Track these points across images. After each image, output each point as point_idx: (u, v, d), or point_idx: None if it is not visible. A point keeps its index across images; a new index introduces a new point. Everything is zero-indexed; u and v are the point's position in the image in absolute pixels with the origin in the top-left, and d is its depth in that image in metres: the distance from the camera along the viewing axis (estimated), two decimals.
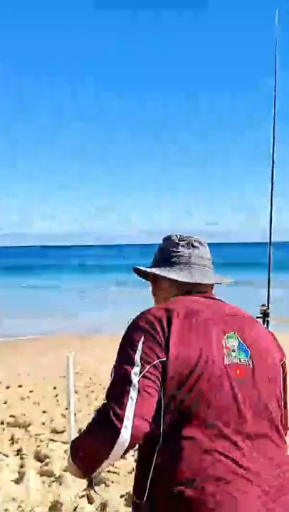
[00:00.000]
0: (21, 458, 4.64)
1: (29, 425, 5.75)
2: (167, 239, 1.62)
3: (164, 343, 1.25)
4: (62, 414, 6.09)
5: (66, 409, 5.18)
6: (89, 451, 1.31)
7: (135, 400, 1.20)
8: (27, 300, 24.15)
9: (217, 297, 1.53)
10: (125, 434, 1.19)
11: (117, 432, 1.19)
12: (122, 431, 1.19)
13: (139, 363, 1.24)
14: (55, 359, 9.41)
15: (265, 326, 4.36)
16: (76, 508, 3.65)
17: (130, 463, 4.46)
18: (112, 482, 3.99)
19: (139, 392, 1.21)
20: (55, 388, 7.62)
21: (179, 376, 1.24)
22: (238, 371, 1.31)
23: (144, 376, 1.23)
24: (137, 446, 1.30)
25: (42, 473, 4.23)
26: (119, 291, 17.04)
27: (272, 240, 4.40)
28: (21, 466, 4.43)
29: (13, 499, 3.80)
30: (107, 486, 3.94)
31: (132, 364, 1.24)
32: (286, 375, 1.46)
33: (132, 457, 4.65)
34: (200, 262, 1.54)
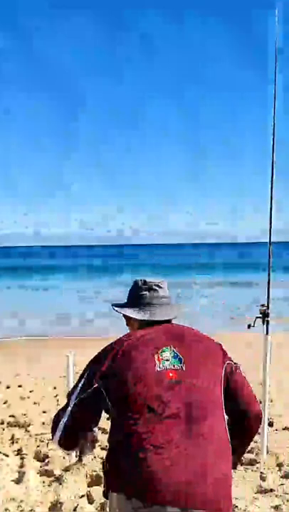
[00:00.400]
0: (21, 458, 4.64)
1: (29, 425, 5.75)
2: (134, 284, 2.11)
3: (105, 367, 1.85)
4: None
5: None
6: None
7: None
8: (27, 300, 24.16)
9: (173, 323, 2.03)
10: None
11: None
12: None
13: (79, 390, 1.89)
14: (55, 359, 9.40)
15: (265, 325, 4.38)
16: (76, 507, 3.65)
17: None
18: None
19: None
20: (55, 388, 7.62)
21: (119, 390, 1.77)
22: (170, 374, 1.76)
23: (82, 398, 1.85)
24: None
25: (42, 473, 4.23)
26: (118, 291, 17.18)
27: (272, 240, 4.41)
28: (21, 466, 4.43)
29: (13, 499, 3.80)
30: None
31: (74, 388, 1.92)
32: (231, 372, 1.93)
33: None
34: (158, 301, 2.03)
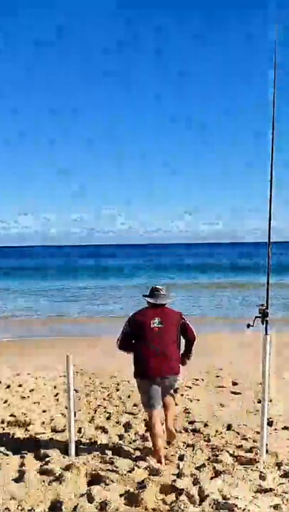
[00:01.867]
0: (21, 457, 4.65)
1: (29, 424, 5.77)
2: (151, 288, 4.85)
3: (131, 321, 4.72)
4: (62, 414, 6.10)
5: (66, 408, 5.20)
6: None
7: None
8: (27, 300, 24.17)
9: (165, 307, 4.76)
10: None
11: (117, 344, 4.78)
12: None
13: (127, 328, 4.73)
14: (55, 359, 9.42)
15: (264, 325, 4.40)
16: (76, 507, 3.66)
17: (130, 463, 4.47)
18: (112, 481, 4.00)
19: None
20: (55, 388, 7.64)
21: (137, 329, 4.64)
22: (156, 329, 4.57)
23: (125, 333, 4.72)
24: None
25: (42, 472, 4.24)
26: (117, 292, 17.04)
27: (271, 240, 4.43)
28: (21, 465, 4.44)
29: (14, 498, 3.81)
30: (107, 485, 3.95)
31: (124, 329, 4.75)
32: (184, 324, 4.73)
33: (132, 456, 4.68)
34: (159, 296, 4.77)
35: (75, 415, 4.98)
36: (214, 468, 4.27)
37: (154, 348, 4.50)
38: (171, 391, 4.84)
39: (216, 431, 5.41)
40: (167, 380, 4.59)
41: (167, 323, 4.58)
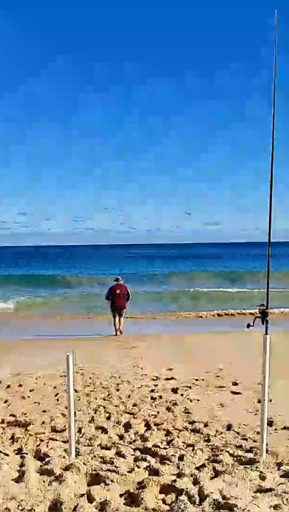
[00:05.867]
0: (21, 457, 4.65)
1: (29, 424, 5.76)
2: (115, 278, 15.65)
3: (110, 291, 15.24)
4: (62, 414, 6.10)
5: (66, 408, 5.20)
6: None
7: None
8: (27, 300, 24.16)
9: (122, 284, 15.30)
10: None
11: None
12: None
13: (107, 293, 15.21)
14: (55, 359, 9.42)
15: (264, 325, 4.40)
16: (76, 506, 3.66)
17: (129, 463, 4.48)
18: (112, 481, 4.00)
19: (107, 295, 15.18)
20: (55, 388, 7.64)
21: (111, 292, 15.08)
22: (118, 292, 14.91)
23: (107, 293, 15.23)
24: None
25: (42, 472, 4.24)
26: (105, 294, 17.57)
27: (272, 240, 4.43)
28: (21, 465, 4.44)
29: (14, 498, 3.81)
30: (107, 485, 3.95)
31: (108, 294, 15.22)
32: (126, 291, 15.20)
33: (132, 456, 4.68)
34: (118, 280, 15.40)
35: (75, 415, 4.98)
36: (214, 468, 4.27)
37: (117, 299, 14.56)
38: (123, 314, 14.67)
39: (216, 431, 5.41)
40: (121, 311, 14.57)
41: (122, 290, 14.78)
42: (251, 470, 4.20)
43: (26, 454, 4.72)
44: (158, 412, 6.17)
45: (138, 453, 4.78)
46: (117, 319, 14.42)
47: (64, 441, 4.96)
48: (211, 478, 4.07)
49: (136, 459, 4.57)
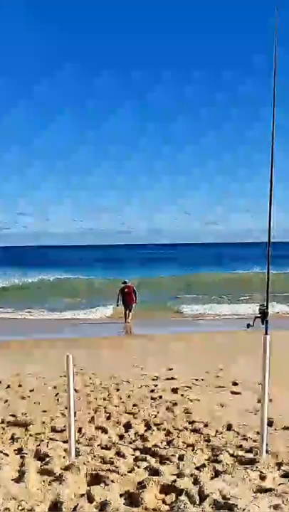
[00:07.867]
0: (21, 457, 4.65)
1: (29, 424, 5.76)
2: (123, 281, 19.04)
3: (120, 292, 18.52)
4: (62, 414, 6.10)
5: (66, 408, 5.19)
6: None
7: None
8: (27, 300, 24.16)
9: (129, 285, 18.66)
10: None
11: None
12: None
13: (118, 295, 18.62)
14: (55, 359, 9.42)
15: (264, 325, 4.40)
16: (76, 507, 3.66)
17: (129, 463, 4.48)
18: (112, 482, 4.00)
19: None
20: (55, 388, 7.64)
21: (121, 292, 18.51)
22: (127, 291, 18.32)
23: (118, 293, 18.63)
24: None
25: (42, 472, 4.24)
26: (116, 293, 17.86)
27: (271, 241, 4.43)
28: (22, 465, 4.44)
29: (14, 498, 3.81)
30: (107, 485, 3.95)
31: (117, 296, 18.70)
32: (134, 290, 18.60)
33: (132, 456, 4.68)
34: (126, 282, 18.88)
35: (75, 415, 4.97)
36: (214, 468, 4.27)
37: (126, 296, 17.96)
38: (132, 308, 17.86)
39: (216, 431, 5.41)
40: (130, 306, 17.85)
41: (129, 289, 18.15)
42: (251, 470, 4.20)
43: (26, 454, 4.71)
44: (158, 412, 6.17)
45: (138, 453, 4.78)
46: (127, 312, 18.01)
47: (64, 441, 4.96)
48: (211, 478, 4.07)
49: (136, 459, 4.57)
